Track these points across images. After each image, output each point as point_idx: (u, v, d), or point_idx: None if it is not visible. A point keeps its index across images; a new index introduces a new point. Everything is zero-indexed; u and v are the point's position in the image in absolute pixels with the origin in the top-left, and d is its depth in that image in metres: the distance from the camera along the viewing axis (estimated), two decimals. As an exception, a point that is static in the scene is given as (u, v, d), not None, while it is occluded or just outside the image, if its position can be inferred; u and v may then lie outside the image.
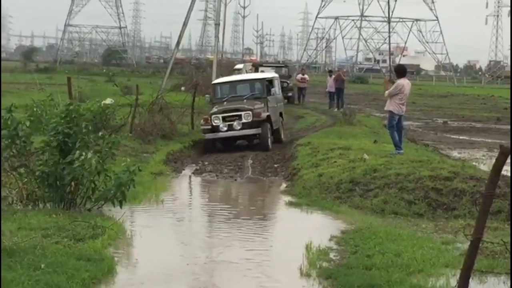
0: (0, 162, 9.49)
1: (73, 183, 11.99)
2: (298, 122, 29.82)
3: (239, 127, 19.82)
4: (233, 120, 19.86)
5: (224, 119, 19.91)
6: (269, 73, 25.11)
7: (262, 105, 20.94)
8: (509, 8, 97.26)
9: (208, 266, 9.43)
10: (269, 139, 20.91)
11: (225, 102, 21.12)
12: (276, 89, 23.22)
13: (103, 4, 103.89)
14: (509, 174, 13.88)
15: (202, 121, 20.92)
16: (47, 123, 12.80)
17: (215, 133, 20.03)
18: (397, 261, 9.30)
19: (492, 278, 8.68)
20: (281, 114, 24.03)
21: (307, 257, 9.43)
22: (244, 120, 19.75)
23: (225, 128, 19.82)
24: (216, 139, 20.94)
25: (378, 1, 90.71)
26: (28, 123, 12.03)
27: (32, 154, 11.97)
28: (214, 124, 19.83)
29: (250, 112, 19.85)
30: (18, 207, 11.35)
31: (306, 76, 39.25)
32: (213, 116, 19.98)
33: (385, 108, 16.92)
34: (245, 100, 21.17)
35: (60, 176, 11.74)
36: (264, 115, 20.52)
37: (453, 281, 7.83)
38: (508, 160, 7.36)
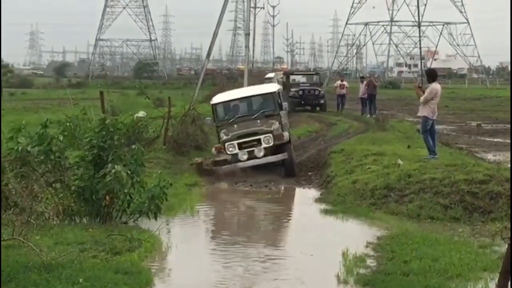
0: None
1: (107, 197, 12.03)
2: (331, 129, 29.33)
3: (261, 154, 16.42)
4: (251, 146, 16.43)
5: (240, 146, 16.42)
6: (274, 85, 20.66)
7: (277, 123, 17.52)
8: None
9: (246, 277, 9.35)
10: (295, 163, 17.64)
11: (235, 125, 17.40)
12: (285, 104, 19.22)
13: (133, 18, 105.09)
14: None
15: (213, 150, 17.38)
16: (81, 138, 12.79)
17: (234, 164, 16.46)
18: (435, 266, 9.25)
19: None
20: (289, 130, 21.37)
21: (344, 264, 9.41)
22: (264, 145, 16.38)
23: (245, 157, 16.37)
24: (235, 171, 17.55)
25: (408, 6, 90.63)
26: (61, 138, 12.02)
27: (67, 169, 12.02)
28: (229, 153, 16.41)
29: (271, 135, 16.55)
30: (55, 222, 11.37)
31: (345, 82, 37.26)
32: (227, 144, 16.53)
33: (419, 114, 16.73)
34: (258, 121, 17.46)
35: (95, 190, 11.77)
36: (286, 136, 17.36)
37: (492, 285, 7.84)
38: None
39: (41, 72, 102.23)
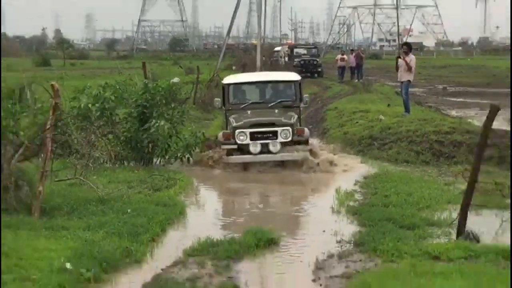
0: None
1: (150, 145, 12.17)
2: (326, 91, 29.21)
3: (277, 149, 11.29)
4: (266, 139, 11.43)
5: (252, 136, 11.41)
6: (296, 74, 14.09)
7: (297, 117, 12.44)
8: None
9: (260, 211, 9.48)
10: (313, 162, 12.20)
11: (248, 112, 12.24)
12: (306, 97, 13.50)
13: (168, 3, 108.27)
14: (498, 127, 13.79)
15: (221, 137, 12.08)
16: (128, 98, 12.76)
17: (243, 156, 11.50)
18: (409, 199, 9.37)
19: (486, 211, 8.73)
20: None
21: (337, 198, 9.51)
22: (281, 139, 11.36)
23: (257, 150, 11.30)
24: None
25: None
26: (113, 98, 12.07)
27: (117, 123, 12.14)
28: (238, 142, 11.43)
29: (290, 129, 11.45)
30: (108, 165, 11.53)
31: (345, 56, 34.88)
32: (237, 131, 11.52)
33: (403, 79, 16.01)
34: (276, 111, 12.26)
35: (140, 140, 11.88)
36: (306, 132, 12.27)
37: (455, 215, 7.93)
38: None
39: (93, 46, 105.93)
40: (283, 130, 11.32)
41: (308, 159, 11.60)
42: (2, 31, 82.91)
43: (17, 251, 6.68)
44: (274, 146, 11.27)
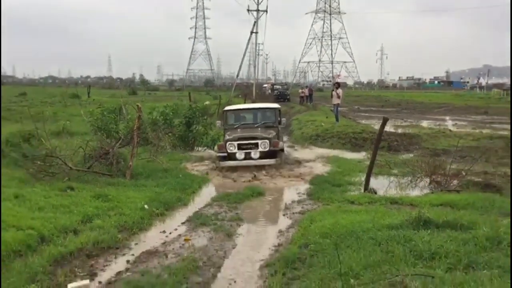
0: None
1: (192, 140, 13.62)
2: (292, 109, 33.02)
3: (257, 156, 11.87)
4: (249, 148, 11.97)
5: (239, 146, 11.98)
6: (276, 104, 14.72)
7: (275, 133, 12.64)
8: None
9: (252, 182, 10.43)
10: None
11: (238, 130, 12.63)
12: (283, 120, 13.45)
13: (203, 58, 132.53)
14: (388, 130, 15.39)
15: (216, 147, 12.50)
16: (180, 113, 14.21)
17: (231, 161, 11.84)
18: (339, 169, 10.54)
19: (380, 177, 9.82)
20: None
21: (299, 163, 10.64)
22: (261, 149, 11.95)
23: (242, 156, 11.88)
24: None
25: (327, 52, 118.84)
26: (171, 113, 13.61)
27: (174, 127, 13.43)
28: (229, 151, 11.87)
29: (268, 141, 11.91)
30: (169, 150, 12.74)
31: (304, 90, 42.04)
32: (228, 143, 11.86)
33: (334, 103, 18.98)
34: (259, 129, 12.65)
35: (187, 136, 13.38)
36: (281, 144, 12.42)
37: (363, 178, 8.98)
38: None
39: (162, 84, 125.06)
40: (262, 142, 11.48)
41: (279, 164, 11.44)
42: (111, 75, 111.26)
43: (117, 198, 7.42)
44: (255, 154, 11.44)
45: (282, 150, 12.02)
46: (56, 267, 4.93)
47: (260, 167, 10.94)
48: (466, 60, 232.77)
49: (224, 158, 11.32)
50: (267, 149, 11.41)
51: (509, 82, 74.33)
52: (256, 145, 11.48)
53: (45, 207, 6.58)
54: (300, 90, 42.27)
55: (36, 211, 6.33)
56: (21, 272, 4.52)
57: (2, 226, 5.50)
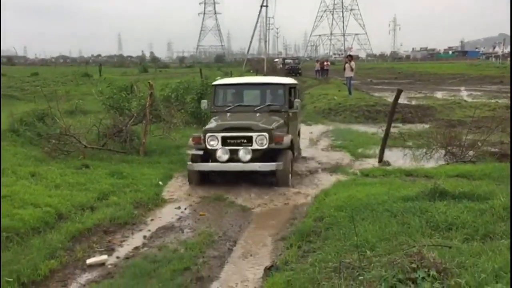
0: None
1: (205, 116, 13.27)
2: (304, 84, 32.15)
3: (247, 158, 7.39)
4: (239, 144, 7.42)
5: (224, 141, 7.47)
6: (289, 79, 9.44)
7: (282, 122, 8.07)
8: None
9: None
10: (291, 175, 7.70)
11: (228, 114, 8.20)
12: (297, 102, 8.70)
13: (213, 33, 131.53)
14: (401, 102, 15.18)
15: (190, 141, 7.82)
16: (192, 89, 14.28)
17: (208, 164, 7.59)
18: (353, 142, 10.69)
19: (395, 148, 9.84)
20: (299, 133, 9.84)
21: (311, 139, 11.05)
22: (256, 146, 7.42)
23: (226, 157, 7.43)
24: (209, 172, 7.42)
25: (338, 25, 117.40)
26: (182, 89, 13.60)
27: (185, 103, 13.36)
28: (208, 147, 7.51)
29: (267, 134, 7.38)
30: (181, 127, 12.50)
31: (322, 63, 41.39)
32: (208, 134, 7.49)
33: (346, 76, 19.31)
34: (257, 114, 8.07)
35: (198, 113, 13.30)
36: (286, 140, 7.59)
37: (377, 151, 9.02)
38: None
39: (172, 61, 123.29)
40: (259, 135, 7.43)
41: (281, 170, 7.35)
42: (121, 53, 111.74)
43: (131, 175, 7.46)
44: (245, 153, 7.40)
45: (291, 148, 7.63)
46: (74, 243, 5.04)
47: (252, 177, 7.28)
48: (481, 29, 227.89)
49: (199, 158, 7.45)
50: (265, 146, 7.37)
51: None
52: (250, 139, 7.35)
53: (61, 185, 6.68)
54: (325, 63, 41.99)
55: (52, 189, 6.44)
56: (40, 249, 4.62)
57: (19, 204, 5.64)
